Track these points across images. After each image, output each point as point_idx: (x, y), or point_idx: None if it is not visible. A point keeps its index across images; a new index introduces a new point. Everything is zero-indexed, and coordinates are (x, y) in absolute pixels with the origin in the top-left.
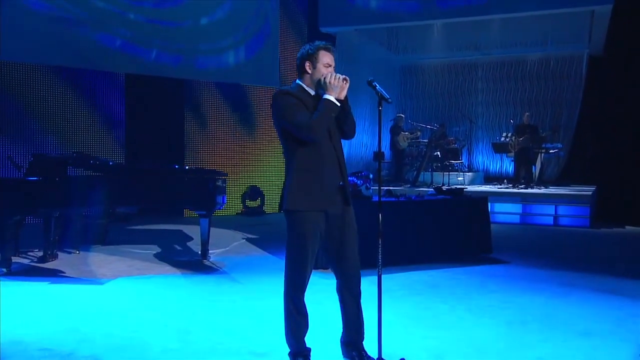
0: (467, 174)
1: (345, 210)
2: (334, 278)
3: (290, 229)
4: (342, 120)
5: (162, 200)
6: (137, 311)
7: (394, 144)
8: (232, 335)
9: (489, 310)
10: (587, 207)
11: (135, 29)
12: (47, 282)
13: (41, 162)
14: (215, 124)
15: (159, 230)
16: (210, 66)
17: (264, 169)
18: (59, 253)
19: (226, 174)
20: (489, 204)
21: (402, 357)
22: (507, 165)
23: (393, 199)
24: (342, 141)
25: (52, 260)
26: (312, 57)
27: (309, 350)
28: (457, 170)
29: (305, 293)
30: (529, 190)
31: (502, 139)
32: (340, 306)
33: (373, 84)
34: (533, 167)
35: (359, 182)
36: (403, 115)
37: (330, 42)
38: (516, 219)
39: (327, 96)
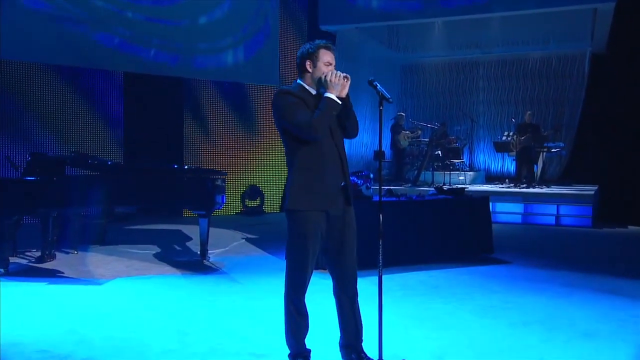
0: (469, 173)
1: (346, 211)
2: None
3: (292, 229)
4: (344, 118)
5: (161, 200)
6: (136, 312)
7: (394, 143)
8: (231, 336)
9: (491, 311)
10: (589, 206)
11: (133, 27)
12: (45, 283)
13: (39, 162)
14: (214, 123)
15: (158, 230)
16: (209, 65)
17: (264, 168)
18: (57, 253)
19: (225, 173)
20: (491, 204)
21: (403, 358)
22: (509, 165)
23: (394, 198)
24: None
25: (50, 261)
26: (313, 56)
27: (309, 351)
28: (458, 170)
29: (306, 294)
30: (531, 190)
31: (504, 138)
32: (337, 309)
33: (374, 83)
34: (535, 166)
35: (359, 181)
36: (404, 114)
37: (331, 41)
38: (518, 218)
39: (328, 94)
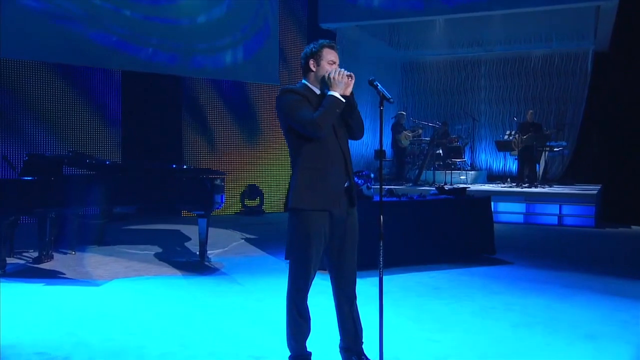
0: (470, 172)
1: (349, 213)
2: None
3: (295, 229)
4: (349, 118)
5: (160, 200)
6: (135, 313)
7: (395, 142)
8: (231, 337)
9: (493, 312)
10: (592, 206)
11: (131, 26)
12: (42, 284)
13: (36, 162)
14: (213, 122)
15: (157, 231)
16: (209, 64)
17: (263, 167)
18: (54, 254)
19: (224, 173)
20: (492, 204)
21: None
22: (511, 164)
23: (394, 198)
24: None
25: (47, 261)
26: (316, 55)
27: (310, 354)
28: (459, 169)
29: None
30: (533, 189)
31: (506, 137)
32: (336, 312)
33: (374, 83)
34: (537, 165)
35: (360, 181)
36: (404, 113)
37: (333, 40)
38: (520, 218)
39: (331, 92)
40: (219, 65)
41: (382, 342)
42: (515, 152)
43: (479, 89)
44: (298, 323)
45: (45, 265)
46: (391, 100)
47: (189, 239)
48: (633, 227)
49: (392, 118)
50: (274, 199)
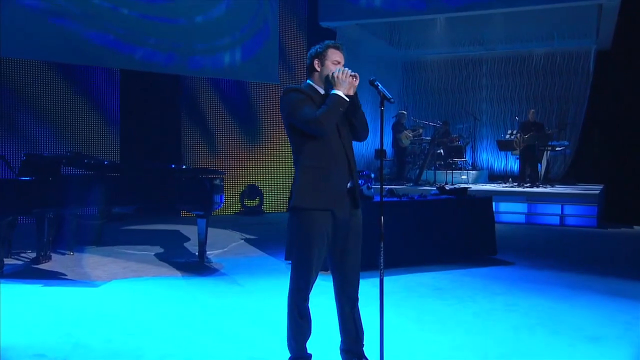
0: (471, 172)
1: (352, 214)
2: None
3: (296, 229)
4: (352, 118)
5: (158, 200)
6: (133, 315)
7: (396, 142)
8: (231, 339)
9: (494, 313)
10: (595, 206)
11: (130, 25)
12: (40, 285)
13: (34, 162)
14: (212, 122)
15: (155, 231)
16: (208, 63)
17: (263, 167)
18: (52, 254)
19: (224, 173)
20: (494, 203)
21: None
22: (512, 164)
23: (395, 198)
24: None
25: (45, 262)
26: (321, 55)
27: (310, 356)
28: (460, 169)
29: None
30: (535, 189)
31: (507, 136)
32: (338, 313)
33: (375, 83)
34: (539, 165)
35: (360, 181)
36: (405, 113)
37: (336, 41)
38: (521, 218)
39: (335, 91)
40: (218, 65)
41: (382, 344)
42: (517, 152)
43: (480, 88)
44: (299, 324)
45: (43, 266)
46: (392, 100)
47: (188, 239)
48: (635, 227)
49: (392, 117)
50: (274, 199)
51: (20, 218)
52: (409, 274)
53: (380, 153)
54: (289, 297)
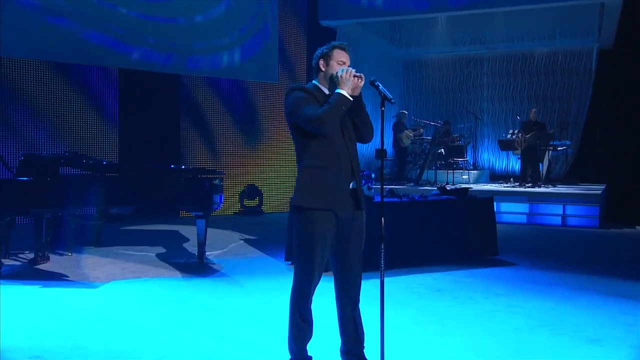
0: (472, 172)
1: (355, 216)
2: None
3: (298, 229)
4: (357, 119)
5: (157, 200)
6: (132, 316)
7: (396, 142)
8: (230, 341)
9: (495, 315)
10: (597, 206)
11: (128, 24)
12: (38, 286)
13: (32, 162)
14: (212, 122)
15: (154, 231)
16: (207, 63)
17: (263, 167)
18: (50, 255)
19: (223, 173)
20: (495, 204)
21: None
22: (514, 163)
23: (396, 199)
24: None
25: (43, 263)
26: (326, 56)
27: (310, 358)
28: (461, 169)
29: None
30: (536, 189)
31: (509, 135)
32: (338, 315)
33: (376, 83)
34: (540, 165)
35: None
36: (406, 112)
37: (335, 39)
38: (523, 218)
39: (339, 90)
40: (217, 64)
41: (383, 345)
42: (518, 151)
43: (481, 87)
44: (300, 327)
45: (41, 267)
46: (393, 100)
47: (187, 239)
48: (638, 227)
49: (393, 117)
50: (274, 199)
51: (19, 218)
52: (409, 275)
53: (380, 153)
54: (291, 300)
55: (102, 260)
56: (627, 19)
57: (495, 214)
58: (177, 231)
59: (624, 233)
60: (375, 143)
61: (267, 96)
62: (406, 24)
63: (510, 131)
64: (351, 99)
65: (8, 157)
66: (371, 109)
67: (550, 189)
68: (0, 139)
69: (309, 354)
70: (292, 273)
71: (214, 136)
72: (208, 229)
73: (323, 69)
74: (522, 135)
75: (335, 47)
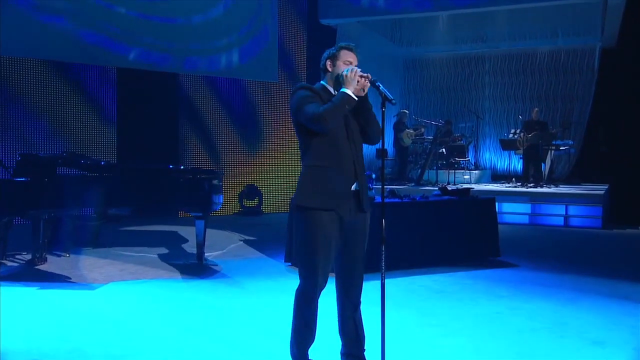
0: (474, 172)
1: (358, 218)
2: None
3: (299, 229)
4: (363, 120)
5: (156, 201)
6: (131, 318)
7: (397, 141)
8: (230, 342)
9: (497, 317)
10: (600, 207)
11: (127, 24)
12: (35, 287)
13: (30, 162)
14: (211, 121)
15: (153, 232)
16: (206, 61)
17: (262, 167)
18: (48, 256)
19: (222, 173)
20: (497, 204)
21: None
22: (516, 163)
23: (396, 199)
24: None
25: (41, 264)
26: (333, 56)
27: None
28: (463, 168)
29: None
30: (538, 189)
31: (511, 135)
32: (339, 317)
33: (376, 84)
34: (542, 165)
35: None
36: (407, 111)
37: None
38: (525, 219)
39: (343, 89)
40: (216, 63)
41: (384, 347)
42: (520, 151)
43: (483, 86)
44: (301, 331)
45: (38, 268)
46: (393, 101)
47: (186, 240)
48: None
49: (394, 116)
50: (273, 199)
51: (16, 219)
52: (410, 277)
53: (381, 153)
54: (294, 303)
55: (100, 261)
56: (630, 18)
57: (497, 215)
58: (176, 232)
59: (627, 234)
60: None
61: (267, 96)
62: (407, 23)
63: (512, 131)
64: (355, 99)
65: (5, 157)
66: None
67: (553, 189)
68: None
69: (310, 357)
70: (292, 274)
71: (212, 136)
72: (207, 230)
73: (330, 69)
74: (524, 135)
75: (342, 47)
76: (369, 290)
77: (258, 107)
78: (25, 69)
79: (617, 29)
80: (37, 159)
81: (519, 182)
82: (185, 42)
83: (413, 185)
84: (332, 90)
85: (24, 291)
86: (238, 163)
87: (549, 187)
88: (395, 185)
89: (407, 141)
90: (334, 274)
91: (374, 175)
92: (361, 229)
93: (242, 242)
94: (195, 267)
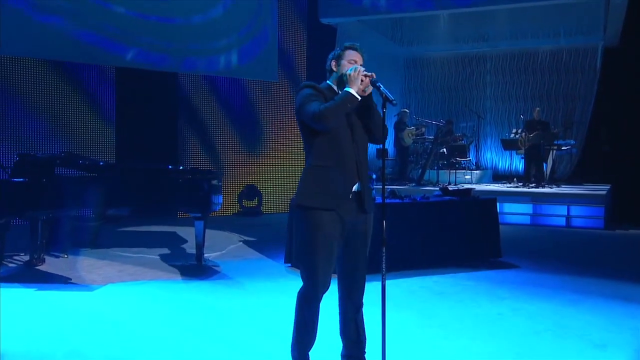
0: (475, 172)
1: (359, 219)
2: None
3: (300, 229)
4: (367, 119)
5: (155, 201)
6: (129, 319)
7: (398, 141)
8: (229, 344)
9: (499, 318)
10: (602, 207)
11: (126, 24)
12: (33, 289)
13: (27, 163)
14: (210, 121)
15: (152, 233)
16: (206, 62)
17: (262, 167)
18: (46, 257)
19: (222, 173)
20: (498, 204)
21: None
22: (517, 163)
23: (397, 200)
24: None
25: (39, 265)
26: (338, 56)
27: None
28: (464, 168)
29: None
30: (540, 190)
31: (512, 135)
32: (340, 318)
33: (377, 84)
34: (544, 165)
35: None
36: (407, 111)
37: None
38: (526, 219)
39: (347, 88)
40: (216, 63)
41: (384, 349)
42: (522, 151)
43: (484, 85)
44: (302, 334)
45: (37, 269)
46: (394, 102)
47: (185, 241)
48: None
49: (394, 116)
50: (273, 199)
51: (14, 220)
52: (411, 278)
53: (382, 153)
54: (296, 304)
55: (98, 262)
56: (632, 16)
57: (499, 215)
58: (175, 232)
59: (629, 234)
60: None
61: (267, 96)
62: (408, 22)
63: (514, 130)
64: (358, 97)
65: (3, 157)
66: None
67: (555, 190)
68: None
69: (310, 359)
70: (292, 275)
71: (212, 136)
72: (206, 230)
73: (335, 69)
74: (525, 135)
75: (347, 47)
76: (370, 291)
77: (258, 107)
78: (24, 68)
79: (620, 27)
80: (35, 159)
81: (520, 182)
82: (185, 42)
83: (414, 186)
84: (337, 89)
85: (21, 292)
86: (237, 163)
87: (551, 188)
88: (396, 186)
89: (408, 141)
90: (335, 275)
91: (374, 176)
92: (363, 230)
93: (241, 242)
94: (195, 268)
